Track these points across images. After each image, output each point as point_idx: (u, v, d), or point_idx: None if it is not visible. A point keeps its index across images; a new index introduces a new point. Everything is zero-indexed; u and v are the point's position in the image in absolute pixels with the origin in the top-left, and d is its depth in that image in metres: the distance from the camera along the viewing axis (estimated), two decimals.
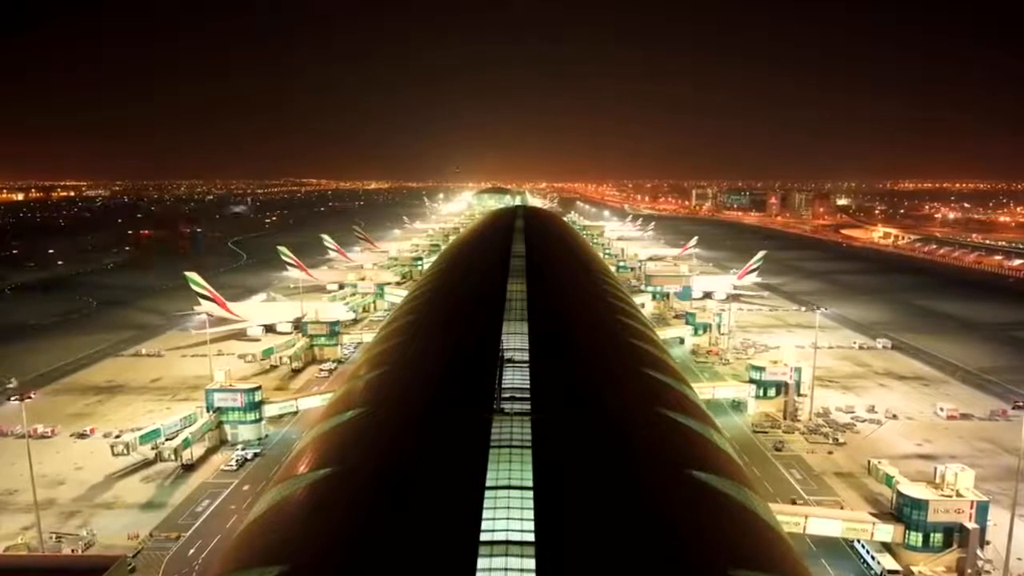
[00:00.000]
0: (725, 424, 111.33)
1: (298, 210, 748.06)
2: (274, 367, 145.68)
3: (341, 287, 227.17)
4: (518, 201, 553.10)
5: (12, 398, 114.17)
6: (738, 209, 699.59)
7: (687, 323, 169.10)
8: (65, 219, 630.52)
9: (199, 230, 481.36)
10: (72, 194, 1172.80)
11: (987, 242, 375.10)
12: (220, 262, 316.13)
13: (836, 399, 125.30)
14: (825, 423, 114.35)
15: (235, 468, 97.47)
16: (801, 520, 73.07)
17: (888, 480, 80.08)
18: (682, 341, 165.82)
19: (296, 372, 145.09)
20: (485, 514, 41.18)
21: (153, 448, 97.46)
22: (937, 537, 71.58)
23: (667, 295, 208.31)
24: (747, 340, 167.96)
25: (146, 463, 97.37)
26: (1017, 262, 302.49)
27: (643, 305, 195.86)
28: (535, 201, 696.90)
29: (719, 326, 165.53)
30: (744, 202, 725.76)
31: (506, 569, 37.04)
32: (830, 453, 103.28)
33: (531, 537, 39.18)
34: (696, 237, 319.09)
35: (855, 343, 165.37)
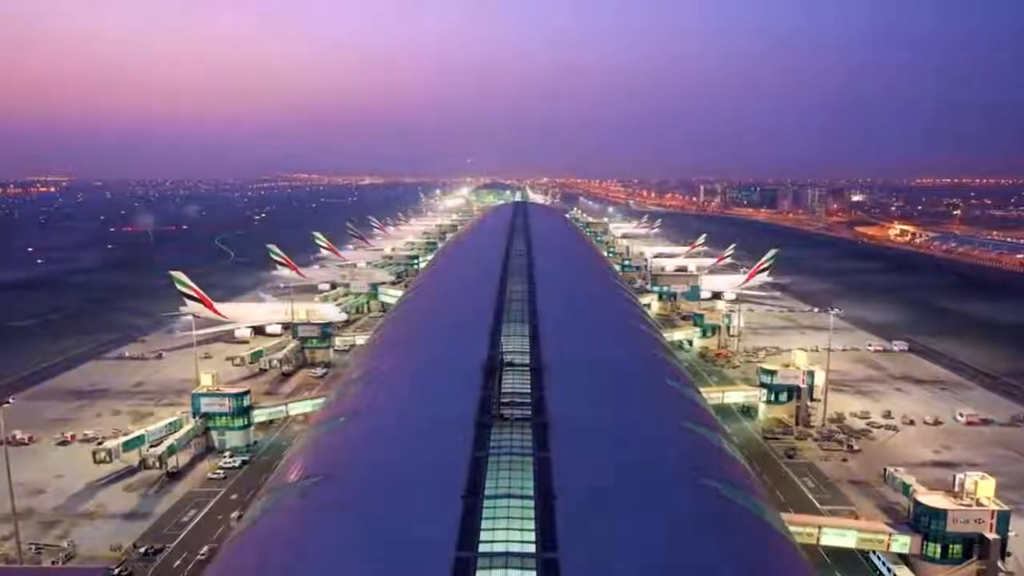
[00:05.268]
0: (735, 430, 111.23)
1: (288, 206, 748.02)
2: (263, 371, 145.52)
3: (333, 287, 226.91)
4: (518, 197, 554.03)
5: None
6: (748, 205, 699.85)
7: (695, 324, 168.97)
8: (45, 216, 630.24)
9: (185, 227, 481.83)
10: (53, 190, 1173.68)
11: (1008, 240, 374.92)
12: (206, 261, 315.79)
13: (851, 404, 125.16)
14: (839, 429, 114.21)
15: (222, 476, 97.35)
16: (814, 531, 72.92)
17: (905, 489, 79.99)
18: (690, 343, 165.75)
19: (286, 376, 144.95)
20: (484, 524, 41.10)
21: (138, 455, 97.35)
22: (956, 548, 71.34)
23: (674, 295, 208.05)
24: (757, 343, 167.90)
25: (130, 471, 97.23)
26: None
27: (649, 305, 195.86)
28: (536, 197, 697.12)
29: (728, 327, 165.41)
30: (754, 198, 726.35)
31: None
32: (844, 460, 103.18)
33: (532, 549, 39.07)
34: (704, 235, 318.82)
35: (870, 345, 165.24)
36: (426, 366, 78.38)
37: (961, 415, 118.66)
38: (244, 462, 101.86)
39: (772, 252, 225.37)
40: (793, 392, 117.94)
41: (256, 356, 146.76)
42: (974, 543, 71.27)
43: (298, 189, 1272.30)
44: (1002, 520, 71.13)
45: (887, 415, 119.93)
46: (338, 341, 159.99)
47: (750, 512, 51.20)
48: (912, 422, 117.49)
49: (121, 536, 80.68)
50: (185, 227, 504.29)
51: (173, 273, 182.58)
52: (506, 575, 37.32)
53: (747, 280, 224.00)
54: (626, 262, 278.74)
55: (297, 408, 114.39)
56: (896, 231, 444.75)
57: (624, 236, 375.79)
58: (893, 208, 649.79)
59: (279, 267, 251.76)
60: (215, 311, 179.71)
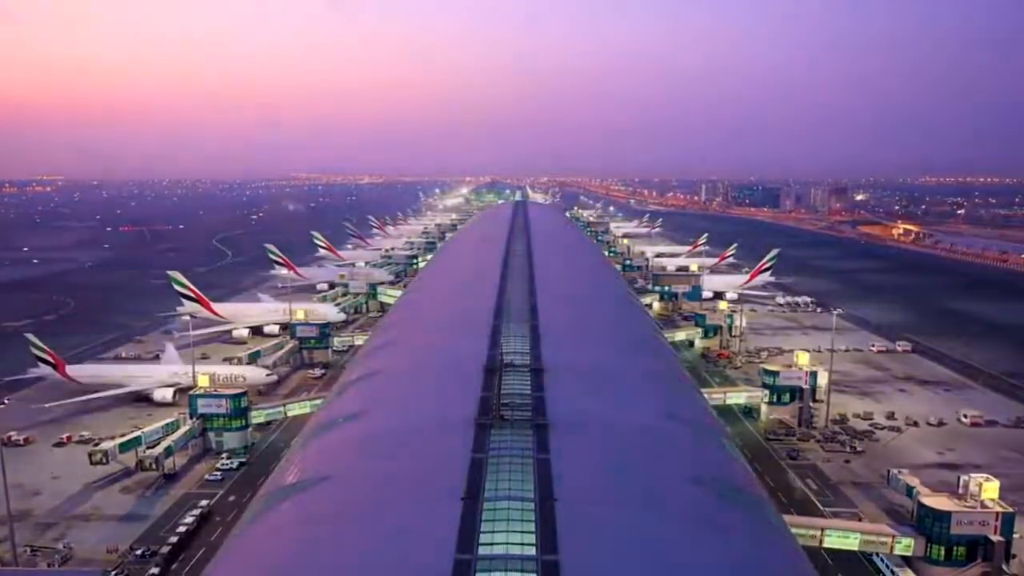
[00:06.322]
0: (737, 431, 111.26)
1: (287, 206, 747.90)
2: None
3: (332, 287, 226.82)
4: (518, 196, 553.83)
5: None
6: (750, 205, 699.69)
7: (697, 325, 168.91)
8: (41, 216, 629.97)
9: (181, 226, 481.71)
10: (49, 190, 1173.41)
11: (1013, 240, 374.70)
12: (203, 260, 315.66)
13: (854, 405, 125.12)
14: (842, 430, 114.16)
15: (220, 478, 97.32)
16: (817, 533, 72.88)
17: (908, 491, 79.83)
18: (691, 344, 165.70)
19: (284, 377, 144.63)
20: (483, 527, 41.00)
21: (135, 456, 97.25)
22: (960, 551, 71.23)
23: (675, 295, 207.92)
24: (759, 343, 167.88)
25: (127, 472, 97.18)
26: None
27: (650, 305, 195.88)
28: (536, 196, 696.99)
29: (730, 328, 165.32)
30: (757, 197, 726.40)
31: None
32: (847, 462, 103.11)
33: (532, 551, 38.97)
34: (706, 234, 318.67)
35: (873, 346, 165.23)
36: (425, 367, 78.36)
37: (965, 416, 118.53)
38: (242, 464, 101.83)
39: (774, 252, 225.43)
40: (796, 393, 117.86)
41: (254, 357, 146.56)
42: (978, 545, 71.23)
43: (296, 188, 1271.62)
44: (1006, 522, 70.96)
45: (890, 416, 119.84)
46: (336, 342, 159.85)
47: (752, 514, 51.19)
48: (915, 423, 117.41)
49: (118, 538, 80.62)
50: (182, 226, 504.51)
51: (170, 273, 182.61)
52: None
53: (749, 280, 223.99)
54: (627, 262, 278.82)
55: (295, 409, 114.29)
56: (899, 230, 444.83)
57: (625, 236, 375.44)
58: (896, 207, 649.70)
59: (277, 267, 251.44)
60: (213, 311, 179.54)
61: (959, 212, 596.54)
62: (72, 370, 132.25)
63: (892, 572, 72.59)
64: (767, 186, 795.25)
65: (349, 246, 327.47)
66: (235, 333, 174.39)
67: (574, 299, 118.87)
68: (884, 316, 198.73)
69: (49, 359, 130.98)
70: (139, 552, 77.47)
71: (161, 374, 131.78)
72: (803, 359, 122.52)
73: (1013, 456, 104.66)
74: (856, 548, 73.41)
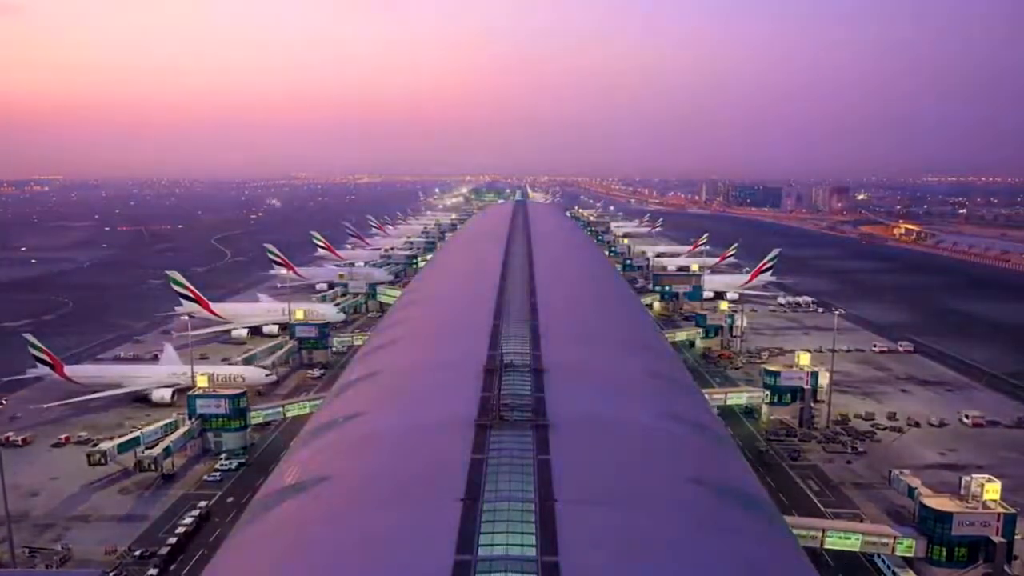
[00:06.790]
0: (737, 432, 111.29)
1: (287, 205, 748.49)
2: None
3: (331, 287, 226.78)
4: (518, 196, 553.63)
5: None
6: (751, 205, 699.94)
7: (697, 325, 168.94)
8: (39, 215, 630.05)
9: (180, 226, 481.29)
10: (47, 189, 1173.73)
11: (1015, 240, 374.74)
12: (202, 260, 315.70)
13: (855, 405, 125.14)
14: (843, 431, 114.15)
15: (219, 479, 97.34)
16: (818, 534, 72.92)
17: (910, 491, 79.86)
18: (692, 344, 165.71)
19: (283, 377, 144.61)
20: (483, 528, 41.03)
21: (134, 457, 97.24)
22: (962, 552, 71.24)
23: (676, 295, 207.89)
24: (760, 343, 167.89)
25: (125, 473, 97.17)
26: None
27: (651, 305, 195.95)
28: (537, 196, 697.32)
29: (731, 328, 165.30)
30: (758, 197, 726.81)
31: None
32: (849, 463, 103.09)
33: (532, 553, 38.98)
34: (707, 234, 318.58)
35: (875, 346, 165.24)
36: (425, 367, 78.39)
37: (967, 417, 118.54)
38: (241, 464, 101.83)
39: (775, 252, 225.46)
40: (797, 393, 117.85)
41: (250, 360, 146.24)
42: (980, 546, 71.27)
43: (296, 188, 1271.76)
44: (1008, 523, 70.97)
45: (892, 417, 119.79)
46: (336, 342, 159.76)
47: (753, 515, 51.21)
48: (917, 424, 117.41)
49: (116, 539, 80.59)
50: (181, 226, 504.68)
51: (169, 273, 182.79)
52: None
53: (750, 280, 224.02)
54: (628, 261, 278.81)
55: (294, 409, 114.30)
56: (901, 230, 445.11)
57: (626, 235, 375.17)
58: (898, 207, 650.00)
59: (276, 267, 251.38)
60: (211, 311, 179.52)
61: (961, 212, 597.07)
62: (70, 370, 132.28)
63: (893, 573, 72.60)
64: (768, 186, 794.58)
65: (348, 246, 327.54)
66: (234, 333, 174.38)
67: (574, 299, 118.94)
68: (886, 316, 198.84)
69: (47, 359, 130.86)
70: (137, 553, 77.54)
71: (160, 374, 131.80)
72: (804, 359, 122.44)
73: (1015, 457, 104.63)
74: (857, 549, 73.46)
